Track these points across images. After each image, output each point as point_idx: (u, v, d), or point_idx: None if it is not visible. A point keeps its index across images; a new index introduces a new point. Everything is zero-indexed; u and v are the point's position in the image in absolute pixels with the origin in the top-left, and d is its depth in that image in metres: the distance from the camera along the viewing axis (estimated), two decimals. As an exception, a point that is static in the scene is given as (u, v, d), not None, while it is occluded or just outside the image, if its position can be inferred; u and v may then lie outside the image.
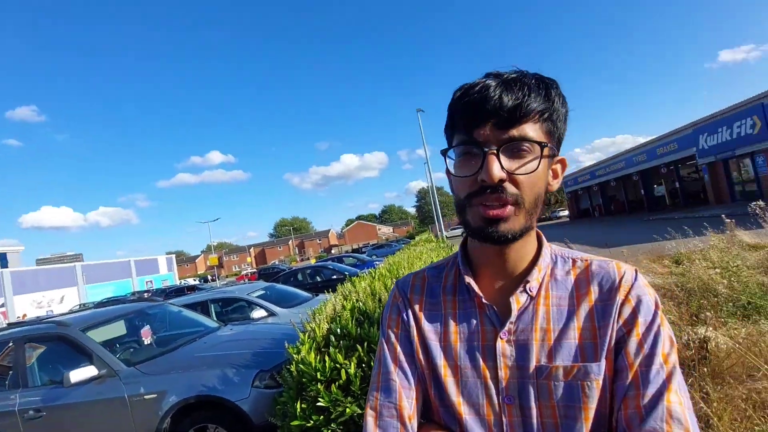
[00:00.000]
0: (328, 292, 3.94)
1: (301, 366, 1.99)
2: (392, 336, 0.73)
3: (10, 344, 3.95)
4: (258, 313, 5.86)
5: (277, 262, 55.69)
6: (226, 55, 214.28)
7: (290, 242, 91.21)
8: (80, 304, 29.81)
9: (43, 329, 3.97)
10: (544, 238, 0.71)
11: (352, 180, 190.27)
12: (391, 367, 0.70)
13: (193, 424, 3.27)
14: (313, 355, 2.00)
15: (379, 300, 2.48)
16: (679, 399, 0.56)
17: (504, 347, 0.64)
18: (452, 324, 0.69)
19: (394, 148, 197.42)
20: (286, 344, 2.33)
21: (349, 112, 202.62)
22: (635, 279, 0.64)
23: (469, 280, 0.69)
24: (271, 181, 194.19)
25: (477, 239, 0.66)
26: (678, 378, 0.58)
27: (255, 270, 40.74)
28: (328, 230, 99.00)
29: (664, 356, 0.58)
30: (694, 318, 3.49)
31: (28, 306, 30.39)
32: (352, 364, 1.89)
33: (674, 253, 6.15)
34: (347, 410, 1.81)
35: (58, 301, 32.89)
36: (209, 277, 41.14)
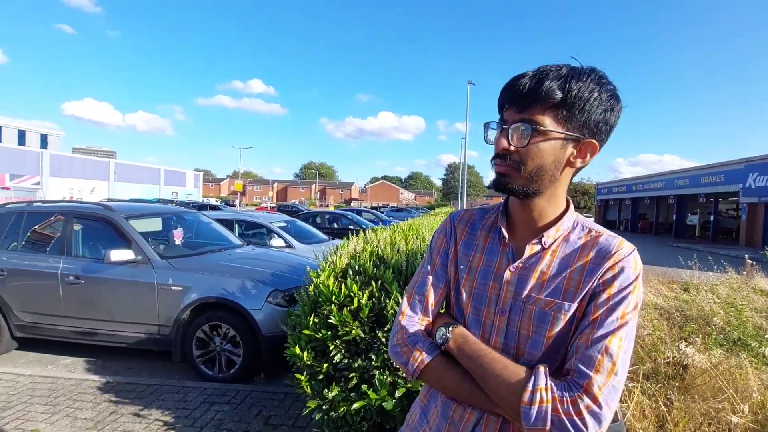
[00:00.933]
0: (346, 239, 4.21)
1: (320, 287, 2.27)
2: (435, 249, 0.99)
3: (58, 216, 4.39)
4: (276, 242, 6.24)
5: (297, 202, 56.81)
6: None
7: (313, 186, 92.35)
8: (109, 199, 31.42)
9: (91, 209, 4.40)
10: (572, 208, 0.90)
11: (385, 138, 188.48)
12: (430, 270, 0.97)
13: (209, 320, 3.69)
14: (331, 281, 2.27)
15: (398, 250, 2.72)
16: (619, 343, 0.75)
17: (510, 277, 0.87)
18: (480, 252, 0.93)
19: (433, 116, 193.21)
20: (308, 269, 2.61)
21: (397, 70, 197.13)
22: (628, 254, 0.81)
23: (501, 224, 0.92)
24: (306, 122, 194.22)
25: (492, 188, 0.88)
26: (627, 331, 0.76)
27: (275, 205, 41.79)
28: (352, 183, 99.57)
29: (623, 314, 0.77)
30: (684, 340, 3.64)
31: (60, 190, 32.10)
32: (365, 295, 2.16)
33: (685, 282, 6.19)
34: (353, 332, 2.09)
35: (89, 192, 34.63)
36: (234, 202, 42.51)
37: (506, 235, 0.90)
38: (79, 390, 3.35)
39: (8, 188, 12.52)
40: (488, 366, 0.80)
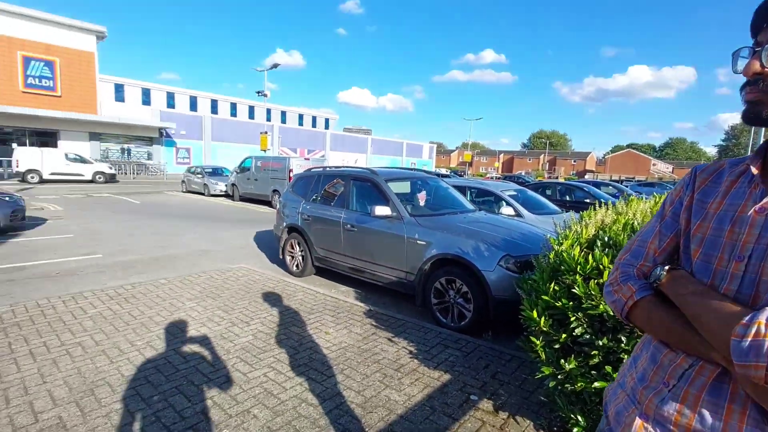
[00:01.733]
0: (593, 209, 3.82)
1: (562, 255, 2.19)
2: (669, 201, 0.95)
3: (340, 178, 5.69)
4: (506, 211, 6.26)
5: (523, 173, 54.77)
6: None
7: (542, 156, 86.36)
8: (365, 168, 38.21)
9: (362, 173, 5.49)
10: None
11: (635, 99, 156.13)
12: (659, 220, 0.94)
13: (445, 274, 4.12)
14: (576, 250, 2.15)
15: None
16: None
17: (755, 218, 0.74)
18: (720, 197, 0.83)
19: (709, 63, 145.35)
20: (548, 236, 2.55)
21: (655, 11, 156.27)
22: None
23: (752, 166, 0.80)
24: (537, 88, 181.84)
25: (743, 120, 0.77)
26: None
27: (501, 176, 41.59)
28: (588, 153, 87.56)
29: None
30: None
31: (336, 161, 41.15)
32: (617, 270, 1.95)
33: None
34: (600, 307, 1.95)
35: (353, 162, 43.05)
36: (465, 172, 45.09)
37: (756, 173, 0.78)
38: (352, 311, 4.39)
39: (308, 159, 17.21)
40: (703, 302, 0.72)
